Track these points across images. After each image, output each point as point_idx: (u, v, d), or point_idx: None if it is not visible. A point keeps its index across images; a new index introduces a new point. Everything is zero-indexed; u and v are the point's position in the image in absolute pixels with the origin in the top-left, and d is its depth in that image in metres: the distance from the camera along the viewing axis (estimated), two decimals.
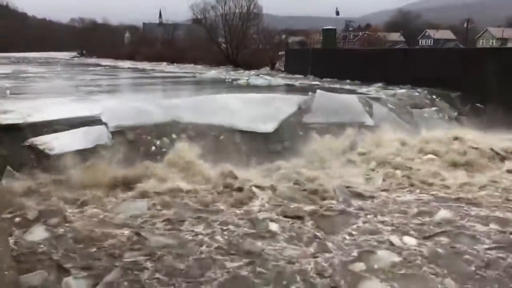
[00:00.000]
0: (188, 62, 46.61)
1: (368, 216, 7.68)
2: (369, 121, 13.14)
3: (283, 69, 32.71)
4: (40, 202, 7.84)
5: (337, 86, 19.56)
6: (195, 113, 11.48)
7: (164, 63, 46.81)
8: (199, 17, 51.34)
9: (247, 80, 22.61)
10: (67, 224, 7.10)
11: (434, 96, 16.44)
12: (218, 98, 13.03)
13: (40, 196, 8.09)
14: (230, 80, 23.44)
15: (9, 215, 7.26)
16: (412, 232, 7.01)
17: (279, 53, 38.92)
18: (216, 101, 12.63)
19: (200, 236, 6.76)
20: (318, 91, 14.46)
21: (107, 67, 39.99)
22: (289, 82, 21.80)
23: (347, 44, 59.80)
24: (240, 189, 8.66)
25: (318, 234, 6.93)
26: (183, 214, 7.60)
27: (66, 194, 8.15)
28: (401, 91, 16.79)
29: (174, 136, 10.42)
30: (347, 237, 6.83)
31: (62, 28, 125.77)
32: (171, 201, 8.09)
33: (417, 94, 16.55)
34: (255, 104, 12.65)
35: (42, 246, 6.37)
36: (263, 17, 48.23)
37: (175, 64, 46.35)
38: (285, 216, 7.57)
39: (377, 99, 14.81)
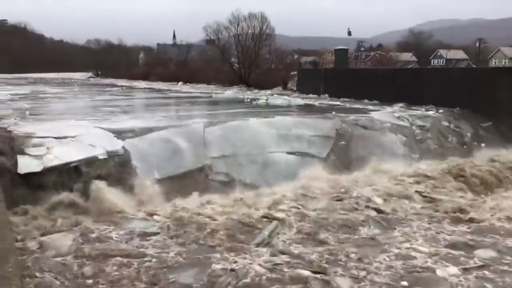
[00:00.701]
0: (201, 82, 47.11)
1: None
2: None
3: (295, 89, 32.93)
4: None
5: (359, 106, 19.42)
6: (227, 149, 11.35)
7: (180, 83, 47.28)
8: (212, 37, 52.04)
9: (266, 100, 22.54)
10: None
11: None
12: (251, 126, 12.63)
13: None
14: (248, 100, 23.32)
15: None
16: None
17: (291, 73, 39.20)
18: (249, 129, 12.33)
19: None
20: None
21: (123, 88, 40.49)
22: (309, 102, 21.71)
23: (359, 64, 60.15)
24: None
25: None
26: None
27: None
28: (434, 113, 16.71)
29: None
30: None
31: (78, 49, 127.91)
32: None
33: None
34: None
35: None
36: (276, 37, 48.81)
37: (188, 84, 46.89)
38: None
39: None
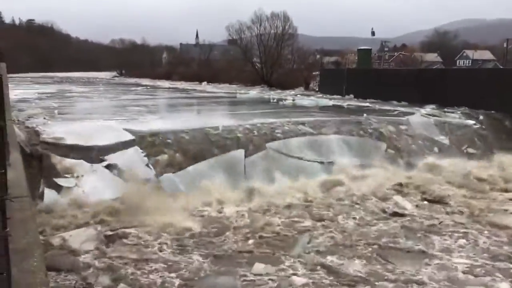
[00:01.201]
0: (223, 82, 47.37)
1: None
2: None
3: (317, 89, 32.84)
4: None
5: (388, 107, 19.11)
6: None
7: (204, 83, 47.50)
8: (234, 37, 52.31)
9: (293, 100, 22.34)
10: None
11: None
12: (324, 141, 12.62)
13: None
14: (275, 100, 23.15)
15: None
16: None
17: (314, 73, 39.10)
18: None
19: None
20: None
21: (148, 87, 40.91)
22: (336, 103, 21.44)
23: (382, 64, 59.45)
24: None
25: None
26: None
27: None
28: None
29: None
30: None
31: (102, 49, 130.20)
32: None
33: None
34: None
35: None
36: (298, 37, 48.74)
37: (211, 83, 47.17)
38: None
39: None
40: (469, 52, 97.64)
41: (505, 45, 71.38)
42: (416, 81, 21.51)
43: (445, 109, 17.66)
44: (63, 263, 6.59)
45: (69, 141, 10.09)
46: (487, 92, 17.52)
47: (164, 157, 10.37)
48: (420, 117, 15.67)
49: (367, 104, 21.08)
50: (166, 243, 7.55)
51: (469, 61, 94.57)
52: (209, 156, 10.93)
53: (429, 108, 17.93)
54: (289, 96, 25.41)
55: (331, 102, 21.57)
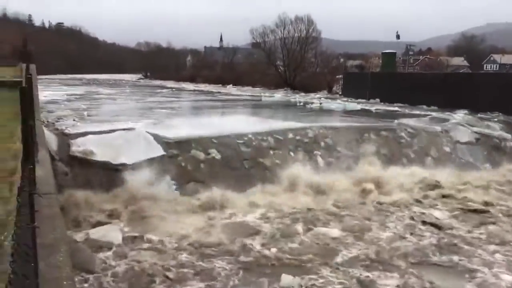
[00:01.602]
0: (247, 84, 47.54)
1: None
2: None
3: (340, 93, 32.67)
4: None
5: (418, 112, 18.60)
6: None
7: (230, 86, 47.65)
8: (258, 41, 52.51)
9: (320, 104, 22.04)
10: None
11: None
12: None
13: None
14: (301, 103, 22.94)
15: None
16: None
17: (337, 76, 38.90)
18: None
19: None
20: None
21: (173, 89, 41.27)
22: (365, 107, 21.07)
23: (407, 68, 58.69)
24: None
25: None
26: None
27: None
28: None
29: None
30: None
31: (128, 52, 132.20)
32: None
33: None
34: None
35: None
36: (322, 41, 48.61)
37: (234, 86, 47.36)
38: None
39: None
40: (496, 57, 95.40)
41: None
42: (444, 85, 21.17)
43: (479, 115, 17.17)
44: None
45: (99, 156, 9.65)
46: None
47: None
48: (462, 132, 14.68)
49: (396, 108, 20.74)
50: None
51: (496, 66, 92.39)
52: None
53: (461, 114, 17.43)
54: (315, 100, 25.22)
55: (359, 106, 21.22)
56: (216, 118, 15.13)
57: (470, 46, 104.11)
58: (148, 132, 11.00)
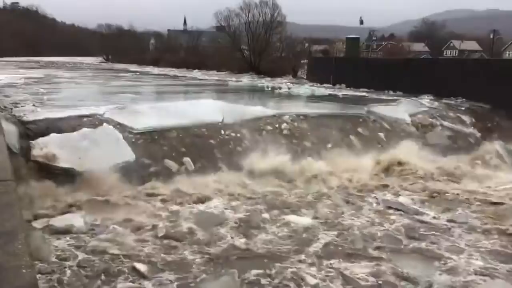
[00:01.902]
0: (211, 68, 47.14)
1: None
2: None
3: (305, 77, 32.90)
4: None
5: (385, 97, 18.69)
6: None
7: (196, 70, 46.90)
8: (223, 24, 52.02)
9: (289, 89, 21.93)
10: None
11: None
12: None
13: None
14: (269, 88, 22.82)
15: None
16: None
17: (302, 61, 39.13)
18: None
19: None
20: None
21: (137, 73, 40.28)
22: (332, 92, 20.94)
23: (370, 54, 59.62)
24: None
25: None
26: None
27: None
28: None
29: None
30: None
31: (88, 34, 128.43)
32: None
33: None
34: None
35: None
36: (287, 25, 48.58)
37: (199, 70, 46.81)
38: None
39: None
40: (456, 43, 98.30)
41: (491, 36, 72.18)
42: (409, 71, 21.39)
43: (445, 100, 17.39)
44: None
45: (62, 161, 8.93)
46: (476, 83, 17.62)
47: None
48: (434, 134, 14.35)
49: (365, 94, 20.68)
50: None
51: (456, 51, 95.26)
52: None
53: (427, 99, 17.60)
54: (283, 84, 25.15)
55: (327, 92, 21.12)
56: (183, 104, 14.08)
57: (431, 32, 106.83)
58: (116, 125, 10.36)
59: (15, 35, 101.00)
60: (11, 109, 11.30)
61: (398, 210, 9.00)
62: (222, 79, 32.50)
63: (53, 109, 11.93)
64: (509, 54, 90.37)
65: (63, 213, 7.94)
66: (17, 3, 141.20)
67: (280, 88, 22.55)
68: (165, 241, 7.14)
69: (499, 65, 20.57)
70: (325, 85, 25.66)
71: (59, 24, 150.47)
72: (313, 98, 18.72)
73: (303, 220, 8.25)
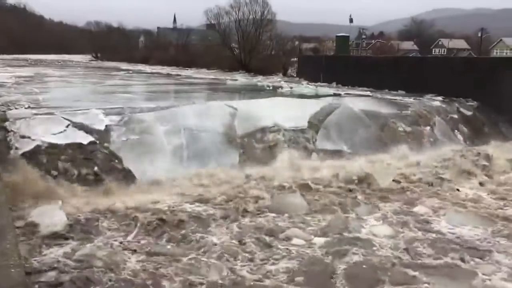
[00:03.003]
0: (201, 66, 46.98)
1: None
2: None
3: (295, 75, 32.93)
4: None
5: (390, 96, 17.90)
6: None
7: (188, 68, 46.34)
8: (213, 22, 51.88)
9: (291, 88, 20.94)
10: None
11: None
12: None
13: None
14: (270, 88, 21.93)
15: None
16: None
17: (292, 59, 39.15)
18: None
19: None
20: None
21: (130, 72, 39.20)
22: (336, 92, 19.49)
23: (359, 52, 59.92)
24: None
25: None
26: None
27: None
28: None
29: None
30: None
31: (77, 32, 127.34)
32: None
33: None
34: None
35: None
36: (277, 23, 48.58)
37: (191, 68, 46.53)
38: None
39: None
40: (444, 41, 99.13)
41: (479, 35, 72.90)
42: (410, 69, 20.89)
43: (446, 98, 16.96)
44: None
45: None
46: (459, 80, 17.68)
47: None
48: None
49: (367, 93, 19.59)
50: None
51: (444, 50, 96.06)
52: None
53: (426, 97, 17.23)
54: (282, 83, 24.33)
55: (331, 91, 19.81)
56: (191, 107, 12.65)
57: (420, 30, 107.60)
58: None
59: (1, 32, 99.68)
60: (4, 112, 10.24)
61: None
62: (217, 77, 32.11)
63: (52, 114, 10.26)
64: (496, 52, 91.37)
65: None
66: (5, 0, 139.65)
67: (281, 87, 21.65)
68: None
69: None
70: (319, 83, 24.81)
71: (47, 21, 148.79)
72: (311, 97, 17.30)
73: None
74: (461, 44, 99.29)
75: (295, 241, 6.99)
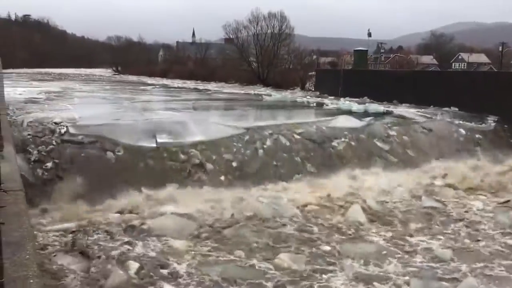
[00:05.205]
0: (219, 80, 47.35)
1: None
2: None
3: (313, 89, 32.91)
4: None
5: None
6: None
7: (212, 83, 46.40)
8: (231, 36, 52.42)
9: (337, 105, 20.15)
10: None
11: None
12: None
13: None
14: (313, 104, 21.38)
15: None
16: None
17: (310, 73, 39.17)
18: None
19: None
20: None
21: (156, 86, 39.08)
22: (388, 109, 18.64)
23: (378, 66, 59.65)
24: None
25: None
26: None
27: None
28: None
29: None
30: None
31: (98, 46, 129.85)
32: None
33: None
34: None
35: None
36: (295, 37, 48.81)
37: (209, 82, 46.73)
38: None
39: None
40: (464, 55, 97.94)
41: (500, 49, 71.93)
42: (434, 83, 20.68)
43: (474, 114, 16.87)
44: None
45: None
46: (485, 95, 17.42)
47: None
48: None
49: (424, 110, 18.26)
50: None
51: (464, 64, 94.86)
52: None
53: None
54: (326, 100, 23.46)
55: (381, 108, 18.65)
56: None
57: (439, 44, 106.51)
58: None
59: (25, 47, 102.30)
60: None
61: None
62: (246, 92, 31.59)
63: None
64: None
65: None
66: (29, 15, 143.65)
67: (324, 104, 20.82)
68: None
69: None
70: (347, 98, 23.71)
71: (69, 36, 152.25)
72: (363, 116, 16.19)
73: None
74: (481, 58, 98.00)
75: None
